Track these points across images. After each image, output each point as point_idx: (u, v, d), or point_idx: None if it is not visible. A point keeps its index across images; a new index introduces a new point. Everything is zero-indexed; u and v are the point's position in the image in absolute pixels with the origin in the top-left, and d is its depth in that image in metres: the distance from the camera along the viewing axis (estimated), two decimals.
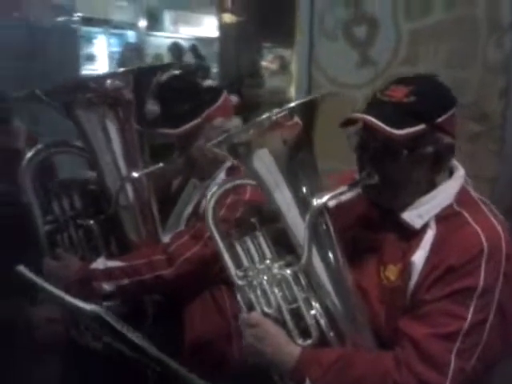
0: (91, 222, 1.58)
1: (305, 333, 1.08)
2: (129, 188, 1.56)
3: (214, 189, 1.20)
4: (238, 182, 1.21)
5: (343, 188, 1.08)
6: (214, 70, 7.01)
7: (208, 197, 1.18)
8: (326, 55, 1.80)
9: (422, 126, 1.04)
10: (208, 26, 7.63)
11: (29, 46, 4.09)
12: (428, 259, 1.04)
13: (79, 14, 5.72)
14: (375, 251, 1.15)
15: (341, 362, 1.02)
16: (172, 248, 1.51)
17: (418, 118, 1.04)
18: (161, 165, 1.53)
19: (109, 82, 1.41)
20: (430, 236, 1.06)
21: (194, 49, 7.02)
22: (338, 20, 1.80)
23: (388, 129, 1.01)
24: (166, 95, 1.66)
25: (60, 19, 5.01)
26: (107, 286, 1.50)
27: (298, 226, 1.06)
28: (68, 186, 1.61)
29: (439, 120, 1.05)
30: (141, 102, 1.52)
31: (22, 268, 1.05)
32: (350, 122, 1.10)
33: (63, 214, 1.59)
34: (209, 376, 1.52)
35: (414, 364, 0.97)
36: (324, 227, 1.08)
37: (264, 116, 1.01)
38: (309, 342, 1.07)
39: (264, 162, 1.05)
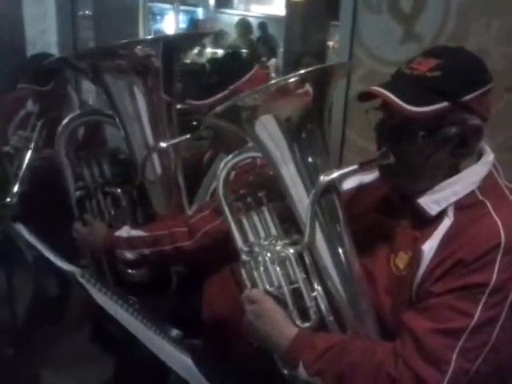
0: (118, 190, 1.62)
1: (304, 315, 1.04)
2: (155, 158, 1.57)
3: (226, 160, 1.17)
4: (250, 154, 1.17)
5: (354, 166, 1.01)
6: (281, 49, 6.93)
7: (220, 168, 1.16)
8: (369, 29, 1.69)
9: (444, 104, 0.93)
10: (278, 5, 7.52)
11: (96, 17, 4.20)
12: (439, 249, 0.95)
13: None
14: (389, 238, 1.07)
15: (336, 348, 0.97)
16: (193, 220, 1.51)
17: (441, 94, 0.93)
18: (187, 136, 1.52)
19: (138, 49, 1.41)
20: (445, 224, 0.97)
21: (262, 26, 6.95)
22: None
23: (404, 105, 0.92)
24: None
25: None
26: (129, 255, 1.53)
27: (303, 202, 1.01)
28: (99, 154, 1.65)
29: (466, 98, 0.94)
30: (170, 71, 1.51)
31: (19, 225, 1.08)
32: (368, 96, 1.02)
33: (93, 181, 1.64)
34: (223, 351, 1.54)
35: (412, 358, 0.90)
36: (331, 206, 1.03)
37: (273, 81, 0.96)
38: (307, 324, 1.03)
39: (268, 130, 1.00)
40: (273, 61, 6.34)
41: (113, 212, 1.64)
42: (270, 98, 0.97)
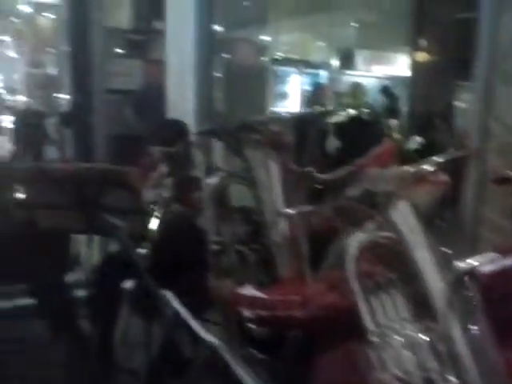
0: (247, 249, 1.73)
1: None
2: (283, 224, 1.64)
3: (357, 239, 1.19)
4: (381, 234, 1.18)
5: (493, 255, 0.97)
6: (405, 108, 6.86)
7: (349, 246, 1.18)
8: (505, 102, 1.63)
9: None
10: (401, 65, 7.52)
11: (229, 81, 4.53)
12: None
13: (279, 54, 6.19)
14: None
15: None
16: (308, 291, 1.54)
17: None
18: (314, 207, 1.57)
19: (273, 125, 1.52)
20: None
21: (385, 90, 6.96)
22: None
23: None
24: (339, 139, 1.70)
25: (262, 59, 5.50)
26: (248, 313, 1.58)
27: (436, 288, 0.99)
28: (237, 213, 1.77)
29: None
30: (303, 143, 1.59)
31: (167, 293, 1.17)
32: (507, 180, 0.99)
33: (228, 238, 1.75)
34: None
35: None
36: (467, 293, 0.99)
37: (408, 167, 0.98)
38: None
39: (404, 217, 1.01)
40: (395, 122, 6.29)
41: (240, 270, 1.73)
42: (406, 185, 0.99)
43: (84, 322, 2.71)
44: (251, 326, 1.68)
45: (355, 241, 1.18)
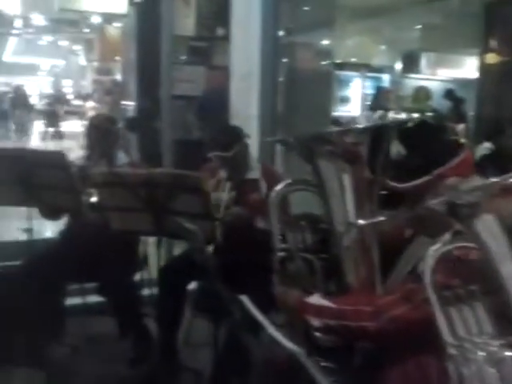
0: (315, 257, 1.71)
1: None
2: (354, 234, 1.62)
3: (436, 248, 1.16)
4: (461, 244, 1.15)
5: None
6: (472, 113, 6.62)
7: (427, 257, 1.16)
8: None
9: None
10: (468, 67, 7.28)
11: (292, 86, 4.55)
12: None
13: (342, 59, 6.14)
14: None
15: None
16: (380, 302, 1.50)
17: None
18: (384, 218, 1.55)
19: (347, 137, 1.52)
20: None
21: (449, 94, 6.76)
22: None
23: None
24: (403, 145, 1.67)
25: (323, 63, 5.48)
26: (316, 322, 1.57)
27: None
28: (303, 220, 1.77)
29: None
30: (378, 152, 1.57)
31: (243, 298, 1.20)
32: None
33: (294, 245, 1.74)
34: None
35: None
36: None
37: (494, 179, 0.95)
38: None
39: (490, 230, 0.98)
40: (461, 126, 6.09)
41: (307, 278, 1.71)
42: (492, 196, 0.96)
43: (150, 321, 2.81)
44: (318, 334, 1.67)
45: (433, 251, 1.16)
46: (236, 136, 2.65)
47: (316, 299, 1.60)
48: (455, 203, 0.99)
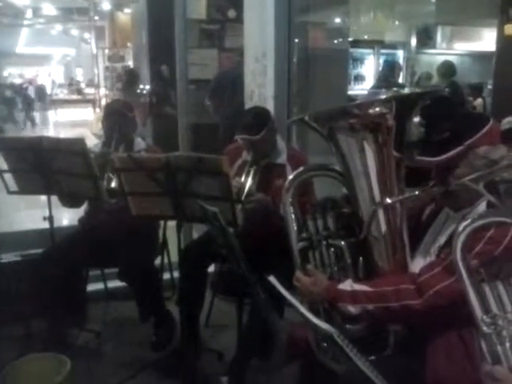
0: (342, 243, 1.63)
1: None
2: (381, 214, 1.57)
3: (467, 222, 1.12)
4: (497, 219, 1.11)
5: None
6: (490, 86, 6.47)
7: (459, 229, 1.12)
8: None
9: None
10: (486, 40, 7.09)
11: (307, 65, 4.49)
12: None
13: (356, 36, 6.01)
14: None
15: None
16: (422, 278, 1.46)
17: None
18: (416, 193, 1.51)
19: (371, 108, 1.46)
20: None
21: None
22: None
23: None
24: (427, 121, 1.63)
25: (335, 42, 5.39)
26: (353, 309, 1.51)
27: None
28: (324, 207, 1.68)
29: None
30: (402, 128, 1.52)
31: (271, 278, 1.18)
32: None
33: (317, 234, 1.66)
34: None
35: None
36: None
37: None
38: None
39: None
40: (479, 101, 5.96)
41: (335, 264, 1.64)
42: None
43: (171, 305, 2.82)
44: (346, 325, 1.61)
45: (465, 226, 1.12)
46: (265, 118, 2.54)
47: (349, 285, 1.55)
48: (494, 180, 0.95)
